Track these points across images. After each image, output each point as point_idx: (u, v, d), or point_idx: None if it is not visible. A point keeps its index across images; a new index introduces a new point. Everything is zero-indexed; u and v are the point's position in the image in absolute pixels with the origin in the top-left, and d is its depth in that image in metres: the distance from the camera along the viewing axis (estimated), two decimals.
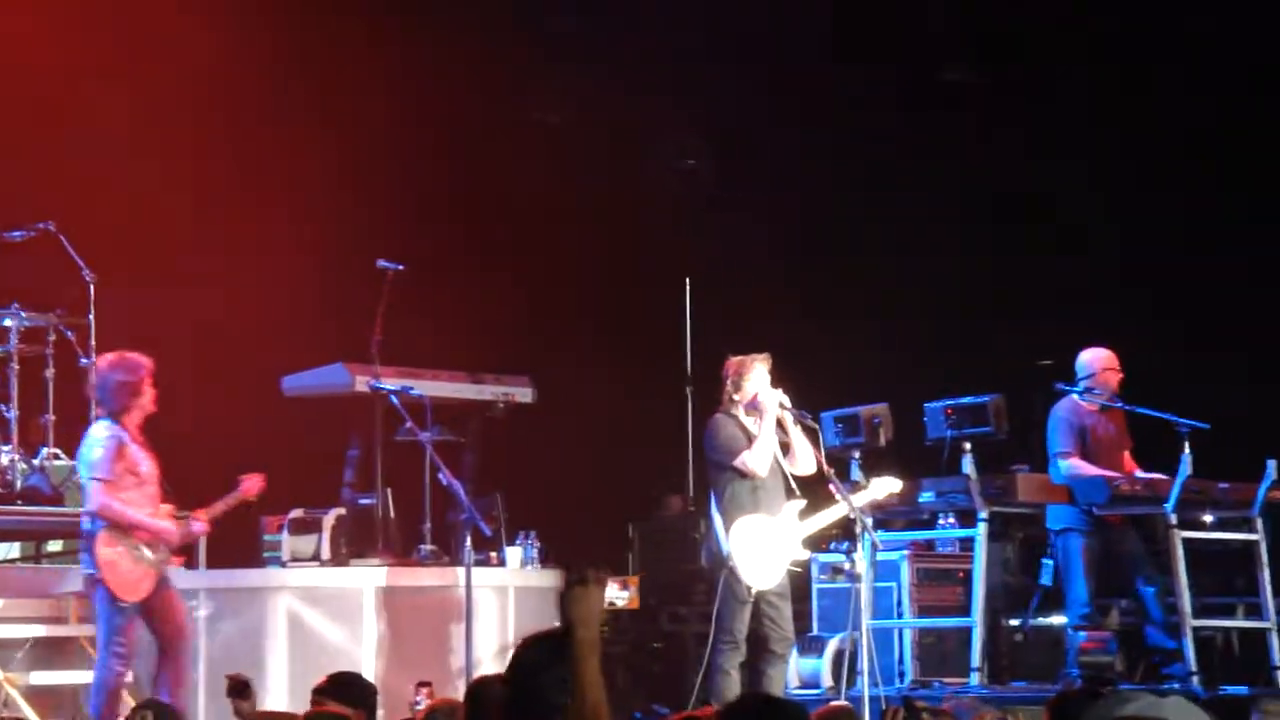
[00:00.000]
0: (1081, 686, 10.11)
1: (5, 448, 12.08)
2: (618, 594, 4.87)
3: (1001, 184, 15.11)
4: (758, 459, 10.98)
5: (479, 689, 5.69)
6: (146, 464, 10.61)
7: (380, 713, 10.81)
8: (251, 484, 10.52)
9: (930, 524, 12.96)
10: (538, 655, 5.07)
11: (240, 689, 7.15)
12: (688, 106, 16.01)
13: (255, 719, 6.89)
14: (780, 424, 11.16)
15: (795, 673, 12.36)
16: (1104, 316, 14.08)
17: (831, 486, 11.13)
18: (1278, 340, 14.42)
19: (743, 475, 11.01)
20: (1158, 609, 12.01)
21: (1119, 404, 12.28)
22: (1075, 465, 12.11)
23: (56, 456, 12.58)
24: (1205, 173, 14.80)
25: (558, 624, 4.83)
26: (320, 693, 7.24)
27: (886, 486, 11.60)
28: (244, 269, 14.51)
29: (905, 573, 12.79)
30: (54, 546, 13.58)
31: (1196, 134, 14.78)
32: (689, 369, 14.61)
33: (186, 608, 10.78)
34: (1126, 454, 12.41)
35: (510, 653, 5.29)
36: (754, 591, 10.99)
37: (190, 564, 12.39)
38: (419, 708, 7.68)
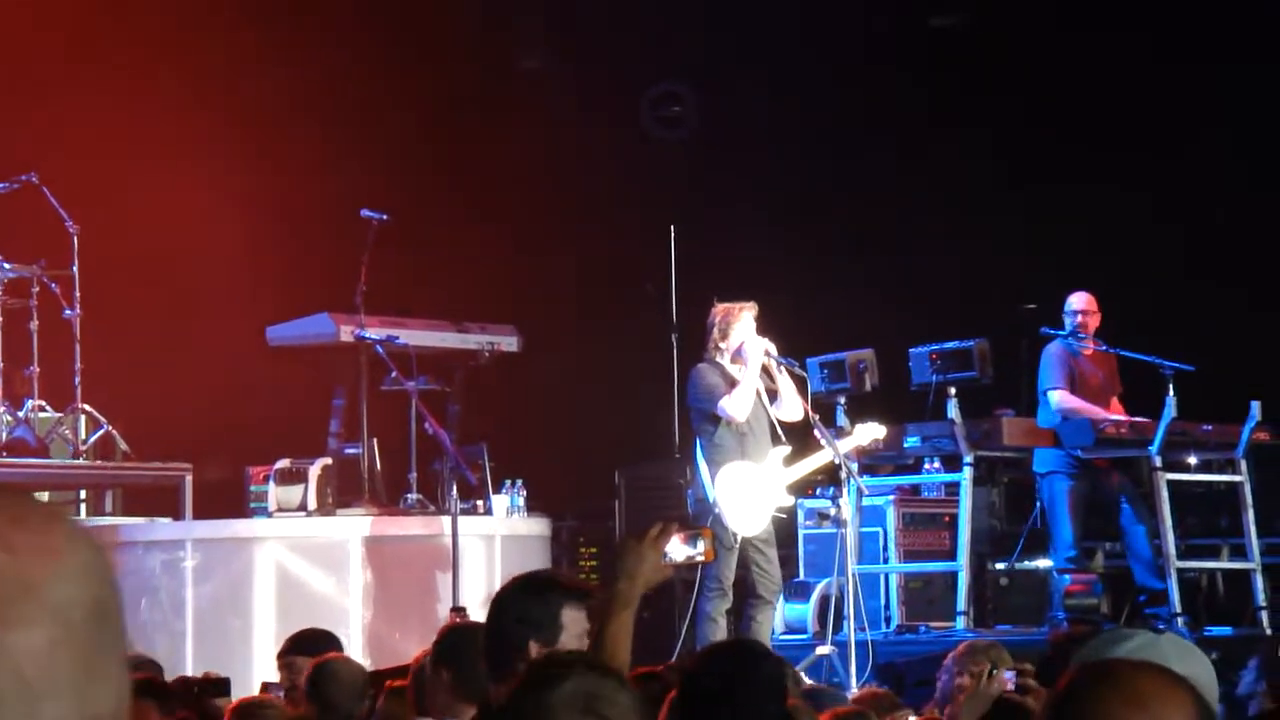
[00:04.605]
0: (1084, 629, 10.16)
1: None
2: (680, 548, 4.77)
3: (986, 125, 15.08)
4: (737, 404, 10.95)
5: (449, 634, 5.75)
6: None
7: (366, 661, 10.91)
8: None
9: (916, 469, 13.00)
10: (511, 594, 5.09)
11: (214, 687, 7.06)
12: (671, 52, 15.96)
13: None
14: (767, 371, 11.15)
15: (781, 618, 12.39)
16: (1090, 259, 14.09)
17: (816, 432, 11.14)
18: (1265, 279, 14.43)
19: (727, 422, 11.00)
20: (1147, 548, 12.04)
21: (1104, 346, 12.29)
22: (1064, 399, 12.09)
23: (42, 409, 12.58)
24: (1183, 114, 14.82)
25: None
26: (286, 654, 7.25)
27: (870, 432, 11.61)
28: (228, 219, 14.48)
29: (891, 518, 12.82)
30: (40, 499, 13.59)
31: (1176, 71, 14.80)
32: (674, 316, 14.58)
33: None
34: (1115, 400, 12.42)
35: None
36: (739, 538, 11.00)
37: (176, 515, 12.40)
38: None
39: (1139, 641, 3.47)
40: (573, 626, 4.96)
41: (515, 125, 15.52)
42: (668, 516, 5.07)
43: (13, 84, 13.96)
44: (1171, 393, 11.86)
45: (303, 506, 12.02)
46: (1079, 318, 12.25)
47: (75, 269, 12.56)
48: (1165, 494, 11.98)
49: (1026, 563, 12.90)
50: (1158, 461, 11.97)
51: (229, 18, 14.63)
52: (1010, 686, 6.35)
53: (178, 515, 12.39)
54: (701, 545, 4.95)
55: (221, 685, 7.05)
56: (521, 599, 5.02)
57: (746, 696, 4.81)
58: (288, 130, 14.65)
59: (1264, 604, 12.21)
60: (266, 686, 7.24)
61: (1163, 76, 14.83)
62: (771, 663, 5.00)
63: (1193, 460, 12.42)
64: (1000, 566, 12.94)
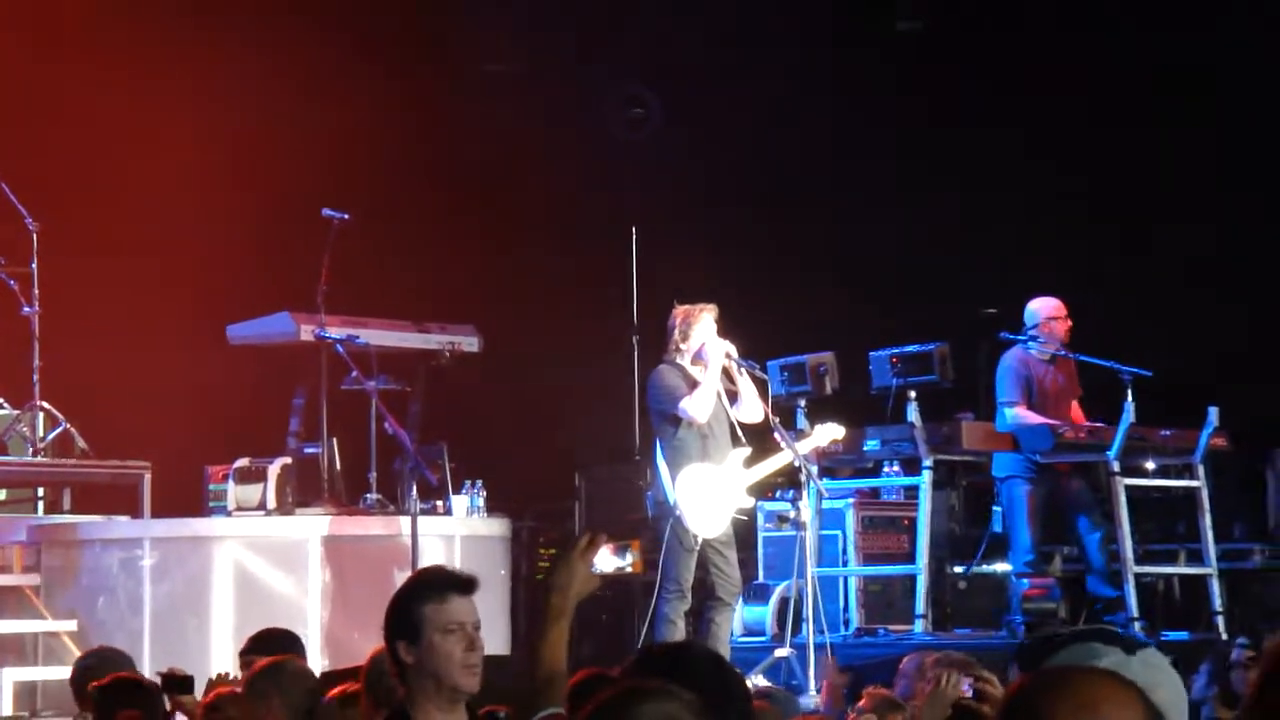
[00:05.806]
0: (1051, 640, 10.17)
1: None
2: (609, 559, 4.83)
3: (944, 131, 15.12)
4: (698, 405, 10.95)
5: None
6: None
7: (324, 661, 10.88)
8: None
9: (875, 472, 13.02)
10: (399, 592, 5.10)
11: (179, 684, 7.05)
12: (634, 55, 15.97)
13: (199, 712, 6.79)
14: (728, 373, 11.15)
15: (740, 621, 12.40)
16: (1048, 264, 14.14)
17: (776, 435, 11.15)
18: (1226, 284, 14.50)
19: (688, 424, 11.00)
20: (1100, 556, 12.08)
21: (1064, 353, 12.32)
22: (1020, 414, 12.16)
23: (0, 406, 12.54)
24: (1147, 116, 14.88)
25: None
26: (247, 654, 7.23)
27: (829, 433, 11.63)
28: (189, 217, 14.44)
29: (850, 520, 12.84)
30: None
31: (1138, 72, 14.88)
32: (635, 318, 14.60)
33: None
34: (1075, 403, 12.45)
35: None
36: (699, 540, 11.00)
37: (135, 513, 12.36)
38: None
39: (1111, 661, 3.48)
40: (436, 619, 5.02)
41: (478, 126, 15.51)
42: (594, 528, 5.10)
43: None
44: (1130, 398, 11.90)
45: (262, 505, 11.99)
46: (1049, 324, 12.26)
47: (34, 266, 12.51)
48: (1123, 499, 12.01)
49: (985, 566, 12.94)
50: (1115, 466, 12.02)
51: (191, 16, 14.58)
52: (967, 693, 6.37)
53: (136, 513, 12.34)
54: (630, 556, 4.98)
55: (186, 683, 7.04)
56: (392, 603, 5.08)
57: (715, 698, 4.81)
58: (249, 128, 14.62)
59: (1220, 609, 12.27)
60: (220, 679, 7.22)
61: (1140, 80, 14.88)
62: (729, 666, 5.00)
63: (1150, 465, 12.46)
64: (959, 570, 12.97)
